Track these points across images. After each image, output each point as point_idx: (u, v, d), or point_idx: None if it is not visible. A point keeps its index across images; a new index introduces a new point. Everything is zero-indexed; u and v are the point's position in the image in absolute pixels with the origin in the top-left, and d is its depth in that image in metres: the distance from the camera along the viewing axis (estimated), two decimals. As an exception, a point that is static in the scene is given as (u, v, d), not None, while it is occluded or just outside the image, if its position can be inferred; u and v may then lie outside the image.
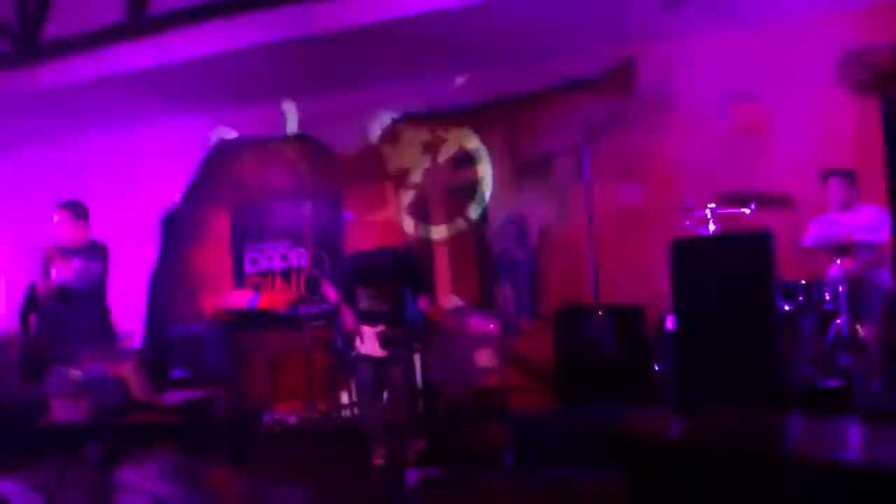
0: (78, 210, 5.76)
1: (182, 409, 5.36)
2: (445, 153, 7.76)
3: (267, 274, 8.35)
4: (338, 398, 7.25)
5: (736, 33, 6.57)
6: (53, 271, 5.55)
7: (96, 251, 5.66)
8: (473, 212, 7.62)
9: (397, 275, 5.82)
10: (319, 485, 5.01)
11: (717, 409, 4.41)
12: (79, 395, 5.09)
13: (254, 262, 8.41)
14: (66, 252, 5.59)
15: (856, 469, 2.82)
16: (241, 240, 8.47)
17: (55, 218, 5.69)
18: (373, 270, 5.77)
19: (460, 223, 7.64)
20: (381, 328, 5.63)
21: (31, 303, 7.01)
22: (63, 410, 5.17)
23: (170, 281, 8.53)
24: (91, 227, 5.80)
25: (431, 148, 7.78)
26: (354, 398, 7.17)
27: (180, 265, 8.59)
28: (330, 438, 6.75)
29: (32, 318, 6.89)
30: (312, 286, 8.01)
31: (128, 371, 5.32)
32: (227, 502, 2.62)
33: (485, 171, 7.60)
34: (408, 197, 7.82)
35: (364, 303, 5.73)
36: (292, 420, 7.22)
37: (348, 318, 5.71)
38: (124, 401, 5.16)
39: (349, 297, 5.77)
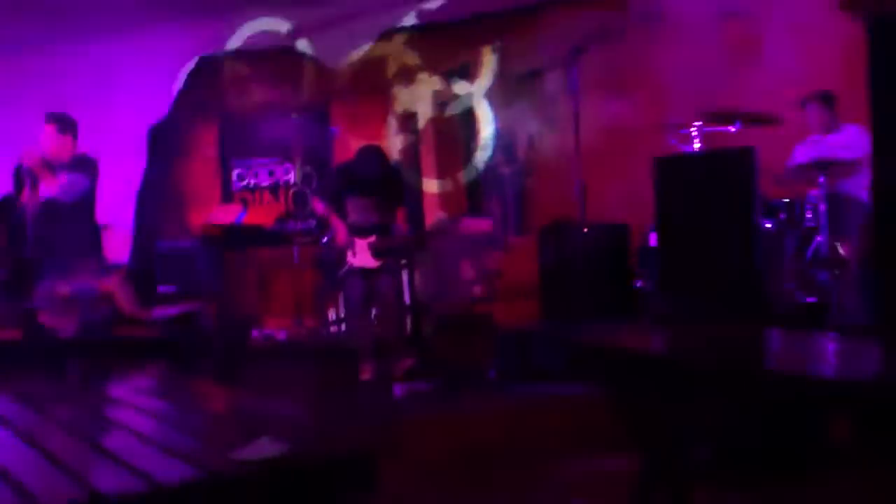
0: (65, 123, 5.59)
1: (169, 324, 5.41)
2: (435, 67, 7.68)
3: (254, 189, 8.34)
4: (326, 314, 7.33)
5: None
6: (40, 185, 5.41)
7: (84, 165, 5.52)
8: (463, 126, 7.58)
9: (385, 186, 5.86)
10: (307, 399, 5.11)
11: (697, 324, 4.49)
12: (66, 310, 5.13)
13: (241, 177, 8.39)
14: (53, 166, 5.45)
15: (829, 383, 2.89)
16: (229, 155, 8.42)
17: (42, 131, 5.55)
18: (362, 180, 5.78)
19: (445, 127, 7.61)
20: (372, 239, 5.67)
21: (5, 215, 6.97)
22: (52, 324, 5.22)
23: (157, 195, 8.51)
24: (78, 141, 5.71)
25: (421, 62, 7.69)
26: (342, 314, 7.27)
27: (167, 180, 8.56)
28: (318, 354, 6.85)
29: (3, 230, 6.82)
30: (300, 202, 8.01)
31: (115, 286, 5.35)
32: (215, 416, 2.68)
33: (474, 85, 7.53)
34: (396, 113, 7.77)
35: (354, 215, 5.76)
36: (281, 336, 7.32)
37: (340, 231, 5.72)
38: (112, 315, 5.20)
39: (339, 209, 5.78)
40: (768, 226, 5.35)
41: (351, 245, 5.70)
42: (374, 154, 5.90)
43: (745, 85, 6.23)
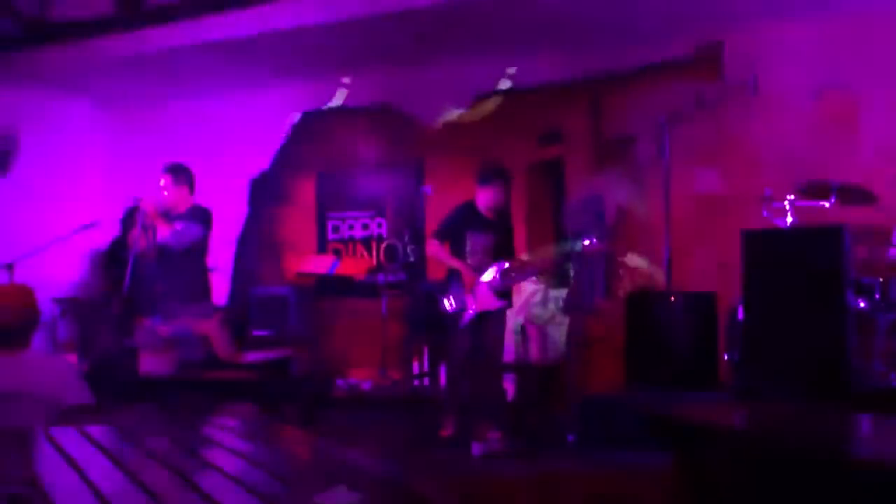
0: (182, 174, 5.92)
1: (261, 368, 5.60)
2: (528, 130, 7.82)
3: (348, 241, 8.58)
4: (411, 366, 7.45)
5: (825, 20, 6.44)
6: (155, 232, 5.72)
7: (200, 215, 5.83)
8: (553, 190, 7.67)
9: (503, 225, 5.99)
10: (386, 451, 5.21)
11: (782, 402, 4.43)
12: (165, 350, 5.37)
13: (336, 229, 8.65)
14: (169, 214, 5.78)
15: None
16: (325, 207, 8.70)
17: (160, 180, 5.87)
18: (483, 218, 5.90)
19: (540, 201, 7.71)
20: (493, 279, 5.77)
21: (114, 257, 7.36)
22: (150, 364, 5.48)
23: (256, 243, 8.84)
24: (195, 191, 6.01)
25: (514, 124, 7.84)
26: (426, 367, 7.39)
27: (266, 228, 8.89)
28: (400, 406, 6.96)
29: (114, 272, 7.20)
30: (391, 255, 8.21)
31: (212, 329, 5.57)
32: (297, 461, 2.79)
33: (567, 150, 7.63)
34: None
35: (473, 256, 5.84)
36: (365, 386, 7.46)
37: (465, 272, 5.78)
38: (207, 357, 5.42)
39: (456, 247, 5.87)
40: (861, 305, 5.25)
41: (473, 288, 5.76)
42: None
43: (841, 159, 6.15)
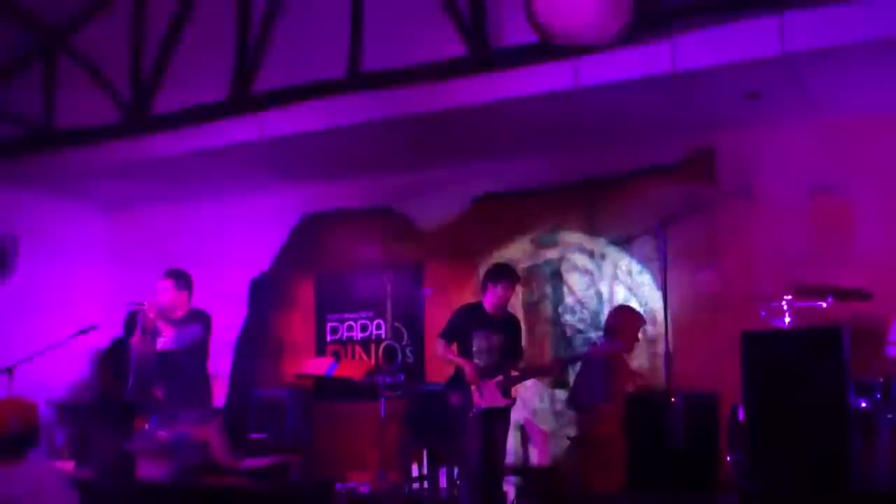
0: (183, 279, 6.04)
1: (260, 475, 5.54)
2: (525, 232, 7.92)
3: (347, 342, 8.58)
4: (409, 469, 7.36)
5: (817, 124, 6.62)
6: (156, 336, 5.80)
7: (199, 318, 5.92)
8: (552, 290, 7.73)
9: (511, 325, 6.02)
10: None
11: (785, 505, 4.38)
12: (163, 456, 5.32)
13: (334, 330, 8.66)
14: (169, 319, 5.85)
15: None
16: (324, 308, 8.72)
17: (160, 285, 5.96)
18: (490, 318, 5.93)
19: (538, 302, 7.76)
20: (499, 378, 5.78)
21: (114, 357, 7.36)
22: (148, 469, 5.42)
23: (255, 345, 8.84)
24: (193, 296, 6.06)
25: (511, 227, 7.95)
26: (425, 470, 7.30)
27: (265, 330, 8.90)
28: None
29: (113, 372, 7.19)
30: (390, 356, 8.20)
31: (211, 434, 5.54)
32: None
33: (563, 251, 7.72)
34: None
35: (480, 355, 5.84)
36: (364, 489, 7.35)
37: (468, 369, 5.78)
38: (206, 462, 5.37)
39: (462, 347, 5.88)
40: (863, 405, 5.24)
41: (479, 385, 5.75)
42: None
43: (837, 259, 6.24)
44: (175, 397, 5.83)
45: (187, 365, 5.83)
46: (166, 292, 5.96)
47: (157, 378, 5.84)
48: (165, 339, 5.75)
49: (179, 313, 5.94)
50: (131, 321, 6.68)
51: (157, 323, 5.75)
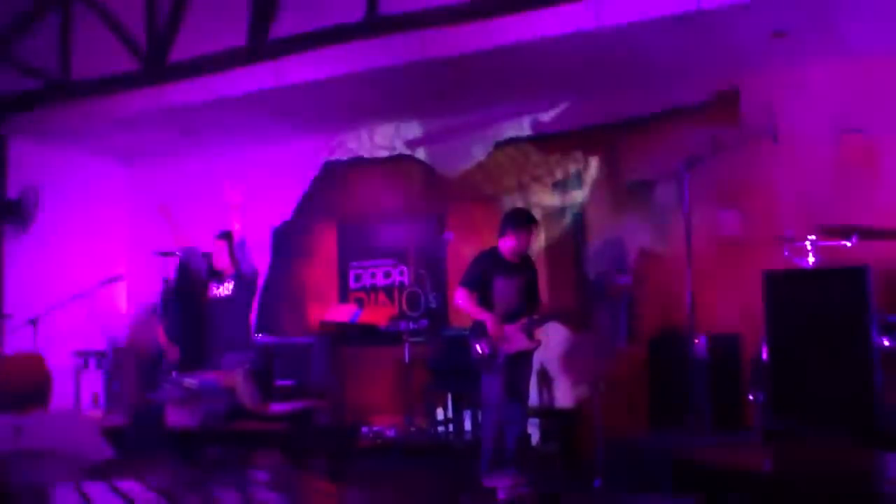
0: (231, 240, 6.33)
1: (286, 419, 5.62)
2: (548, 176, 7.87)
3: (370, 290, 8.62)
4: (434, 414, 7.44)
5: (842, 62, 6.50)
6: (210, 289, 6.35)
7: (247, 276, 6.30)
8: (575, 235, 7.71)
9: (529, 268, 6.04)
10: (413, 499, 5.19)
11: (808, 443, 4.40)
12: (191, 402, 5.41)
13: (357, 278, 8.70)
14: (221, 276, 6.32)
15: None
16: (347, 256, 8.76)
17: (216, 246, 6.35)
18: (508, 263, 5.95)
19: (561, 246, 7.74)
20: (523, 321, 5.81)
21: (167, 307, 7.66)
22: (177, 416, 5.51)
23: (279, 293, 8.90)
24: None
25: (534, 171, 7.90)
26: (450, 414, 7.38)
27: (289, 278, 8.95)
28: (426, 453, 6.95)
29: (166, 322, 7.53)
30: (413, 302, 8.24)
31: (238, 380, 5.61)
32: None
33: (586, 194, 7.68)
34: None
35: (501, 301, 5.87)
36: (390, 433, 7.45)
37: (490, 322, 5.82)
38: (233, 409, 5.46)
39: (483, 296, 5.90)
40: (886, 343, 5.22)
41: (502, 335, 5.79)
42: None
43: (862, 199, 6.17)
44: (220, 343, 6.20)
45: (236, 317, 6.26)
46: (220, 252, 6.33)
47: (208, 328, 6.32)
48: (219, 294, 6.28)
49: (230, 268, 6.32)
50: (184, 269, 7.01)
51: (211, 280, 6.34)
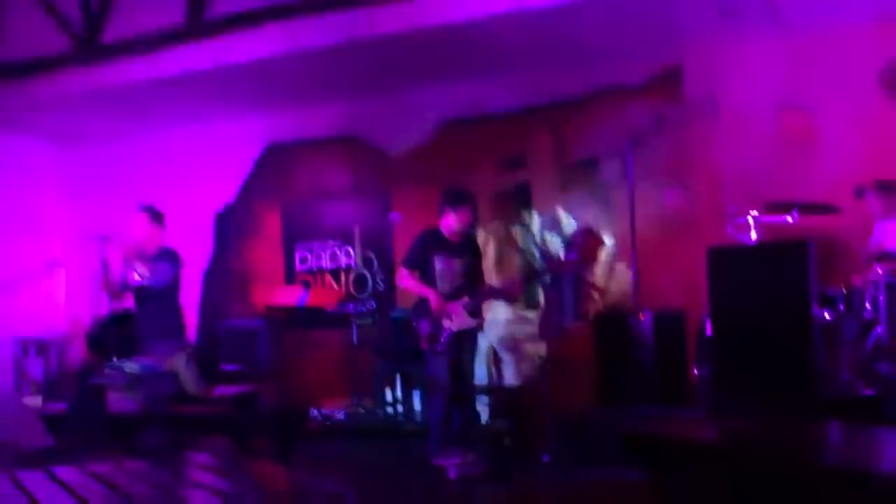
0: (157, 216, 5.99)
1: (231, 402, 5.55)
2: (493, 156, 7.86)
3: (316, 272, 8.54)
4: (383, 395, 7.41)
5: (784, 42, 6.56)
6: (129, 271, 5.78)
7: (170, 256, 5.89)
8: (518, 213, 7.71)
9: (470, 247, 6.01)
10: (361, 479, 5.16)
11: (752, 415, 4.46)
12: (133, 387, 5.31)
13: (304, 260, 8.61)
14: (142, 255, 5.82)
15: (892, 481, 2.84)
16: (292, 238, 8.66)
17: (135, 220, 5.90)
18: (448, 241, 5.90)
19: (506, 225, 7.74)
20: (465, 300, 5.78)
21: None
22: (119, 402, 5.40)
23: (223, 276, 8.78)
24: (165, 233, 6.02)
25: (479, 151, 7.88)
26: (399, 395, 7.36)
27: (233, 261, 8.83)
28: (375, 435, 6.93)
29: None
30: (360, 284, 8.18)
31: (180, 365, 5.52)
32: (272, 495, 2.76)
33: (531, 174, 7.69)
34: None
35: (443, 280, 5.83)
36: (339, 416, 7.40)
37: (432, 298, 5.78)
38: (176, 393, 5.37)
39: (425, 273, 5.86)
40: (827, 316, 5.32)
41: (445, 311, 5.76)
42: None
43: (803, 175, 6.26)
44: (148, 331, 5.79)
45: (161, 301, 5.81)
46: (141, 228, 5.90)
47: (131, 314, 5.88)
48: (138, 275, 5.72)
49: (151, 249, 5.87)
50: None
51: (132, 260, 5.73)
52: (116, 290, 5.80)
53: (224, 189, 8.80)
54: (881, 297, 5.16)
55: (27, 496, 2.53)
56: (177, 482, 2.86)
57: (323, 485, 2.74)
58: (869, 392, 5.03)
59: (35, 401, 7.52)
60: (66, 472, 2.89)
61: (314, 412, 7.39)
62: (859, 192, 5.75)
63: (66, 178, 9.38)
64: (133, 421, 5.24)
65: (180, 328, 6.01)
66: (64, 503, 2.50)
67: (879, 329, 5.18)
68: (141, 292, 5.81)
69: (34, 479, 2.80)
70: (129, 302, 6.02)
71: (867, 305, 5.36)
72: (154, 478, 2.89)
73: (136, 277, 5.72)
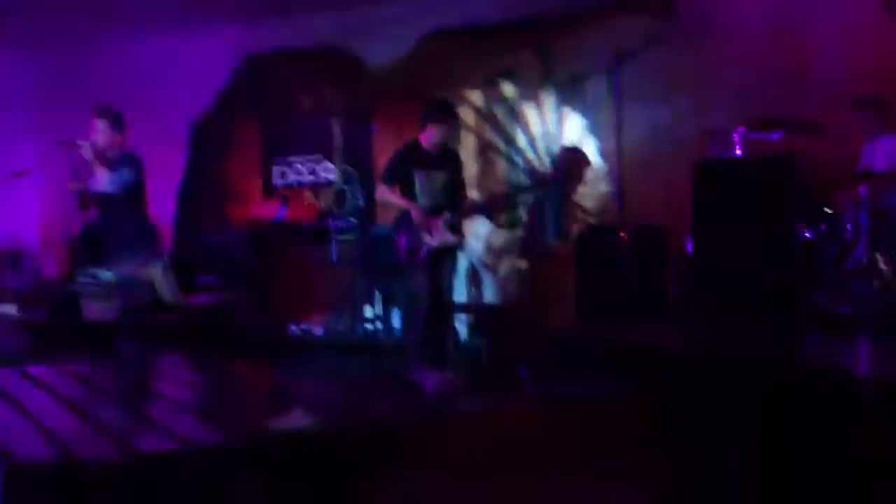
0: (115, 119, 5.76)
1: (208, 312, 5.50)
2: (478, 70, 7.72)
3: (295, 187, 8.43)
4: (362, 312, 7.38)
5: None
6: (91, 178, 5.62)
7: (130, 161, 5.69)
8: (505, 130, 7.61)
9: (451, 161, 5.90)
10: (339, 386, 5.16)
11: (730, 327, 4.47)
12: (108, 296, 5.23)
13: (282, 175, 8.49)
14: (103, 160, 5.62)
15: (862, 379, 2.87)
16: (270, 152, 8.52)
17: (94, 125, 5.68)
18: (429, 155, 5.79)
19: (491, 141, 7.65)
20: (446, 215, 5.70)
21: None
22: (93, 310, 5.34)
23: (199, 189, 8.64)
24: (127, 137, 5.84)
25: (464, 65, 7.73)
26: (379, 311, 7.34)
27: (209, 175, 8.68)
28: (354, 350, 6.93)
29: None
30: (340, 200, 8.08)
31: (157, 273, 5.44)
32: (249, 391, 2.72)
33: (517, 90, 7.57)
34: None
35: (424, 195, 5.74)
36: (318, 331, 7.39)
37: (413, 211, 5.70)
38: (152, 302, 5.30)
39: (405, 189, 5.77)
40: (808, 235, 5.31)
41: (426, 225, 5.68)
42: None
43: (794, 94, 6.18)
44: (118, 241, 5.62)
45: (125, 208, 5.63)
46: (102, 132, 5.67)
47: (99, 221, 5.67)
48: (100, 181, 5.54)
49: (115, 153, 5.67)
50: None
51: (93, 166, 5.52)
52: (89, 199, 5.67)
53: (200, 100, 8.58)
54: (862, 218, 5.15)
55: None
56: (150, 379, 2.82)
57: (297, 385, 2.71)
58: (846, 310, 5.04)
59: (10, 309, 7.43)
60: (39, 370, 2.85)
61: (292, 327, 7.37)
62: (857, 104, 5.66)
63: (35, 86, 9.13)
64: (109, 329, 5.18)
65: (152, 237, 5.88)
66: (35, 395, 2.46)
67: (859, 249, 5.18)
68: (103, 199, 5.63)
69: (7, 376, 2.75)
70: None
71: (848, 226, 5.36)
72: (126, 373, 2.84)
73: (97, 183, 5.55)
